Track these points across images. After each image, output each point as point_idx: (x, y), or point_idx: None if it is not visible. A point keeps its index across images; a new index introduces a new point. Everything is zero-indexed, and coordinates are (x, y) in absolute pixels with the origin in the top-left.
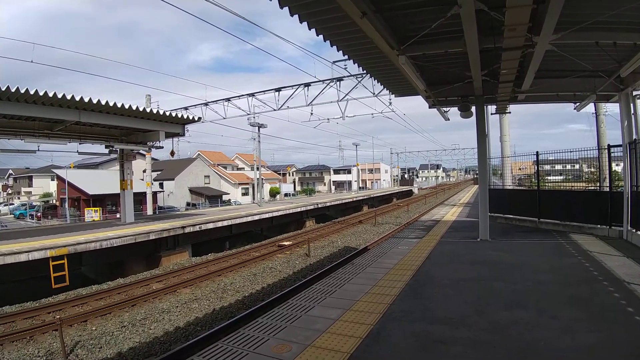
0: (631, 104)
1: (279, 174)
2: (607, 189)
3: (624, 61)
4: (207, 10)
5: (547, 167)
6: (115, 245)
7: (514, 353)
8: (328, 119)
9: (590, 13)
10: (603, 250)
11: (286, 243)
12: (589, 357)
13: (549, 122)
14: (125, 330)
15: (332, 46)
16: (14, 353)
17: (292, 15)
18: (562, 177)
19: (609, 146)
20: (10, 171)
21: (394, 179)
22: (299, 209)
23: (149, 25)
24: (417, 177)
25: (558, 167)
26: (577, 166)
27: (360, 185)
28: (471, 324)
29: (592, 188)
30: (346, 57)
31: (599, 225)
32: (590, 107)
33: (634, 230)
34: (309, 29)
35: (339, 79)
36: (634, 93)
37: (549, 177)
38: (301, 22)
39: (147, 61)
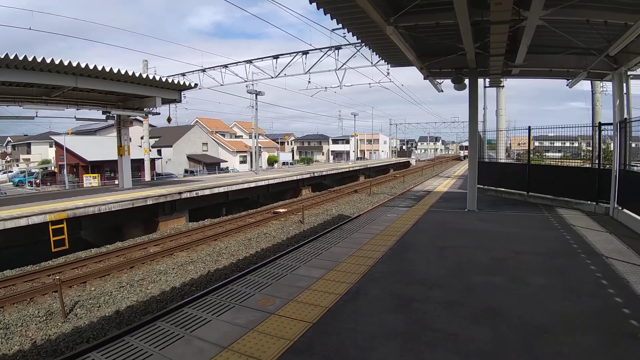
0: (624, 84)
1: (278, 142)
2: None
3: (613, 40)
4: None
5: (547, 143)
6: (113, 209)
7: (480, 312)
8: (325, 87)
9: None
10: (587, 225)
11: (281, 210)
12: (551, 322)
13: (551, 98)
14: (124, 290)
15: (325, 14)
16: (15, 314)
17: None
18: (560, 154)
19: (600, 124)
20: (9, 138)
21: (393, 150)
22: (295, 178)
23: None
24: (416, 149)
25: (557, 144)
26: (576, 144)
27: (359, 156)
28: (445, 286)
29: (583, 165)
30: (340, 25)
31: (586, 202)
32: (589, 85)
33: (620, 208)
34: None
35: (338, 47)
36: (629, 73)
37: (547, 154)
38: None
39: (149, 26)
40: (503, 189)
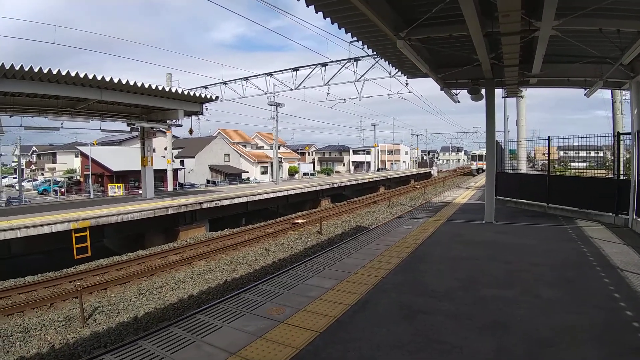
0: None
1: (299, 153)
2: (622, 177)
3: (626, 48)
4: None
5: (572, 153)
6: (135, 218)
7: (488, 324)
8: (344, 99)
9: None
10: (605, 237)
11: (300, 221)
12: (558, 337)
13: (574, 107)
14: (142, 297)
15: (340, 29)
16: (34, 319)
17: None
18: (585, 164)
19: (619, 134)
20: (34, 148)
21: (414, 161)
22: (314, 188)
23: (174, 2)
24: (437, 160)
25: (583, 153)
26: (601, 153)
27: (380, 167)
28: (455, 298)
29: (602, 175)
30: (355, 39)
31: (605, 213)
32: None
33: (639, 219)
34: (316, 12)
35: (356, 59)
36: None
37: (572, 164)
38: (307, 6)
39: (171, 39)
40: (523, 200)
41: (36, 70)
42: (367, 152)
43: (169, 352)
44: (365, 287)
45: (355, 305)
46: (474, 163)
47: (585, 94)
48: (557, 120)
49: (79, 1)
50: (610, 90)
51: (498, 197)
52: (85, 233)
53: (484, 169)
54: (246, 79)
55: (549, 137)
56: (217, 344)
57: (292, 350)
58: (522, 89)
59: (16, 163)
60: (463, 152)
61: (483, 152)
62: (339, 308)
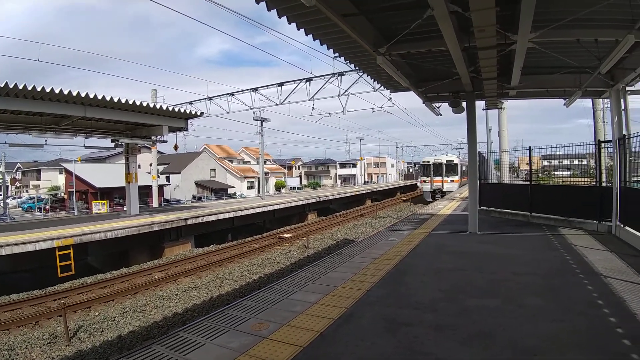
0: (622, 100)
1: (285, 167)
2: (604, 184)
3: (604, 58)
4: (215, 8)
5: (555, 162)
6: (119, 236)
7: (472, 335)
8: (329, 113)
9: (567, 10)
10: (588, 244)
11: (286, 235)
12: (543, 345)
13: (559, 116)
14: (127, 315)
15: (322, 45)
16: (20, 337)
17: (279, 17)
18: (569, 173)
19: (599, 142)
20: (19, 165)
21: (400, 173)
22: (301, 202)
23: (161, 18)
24: None
25: (566, 162)
26: (584, 161)
27: (366, 179)
28: (439, 310)
29: (585, 183)
30: (337, 54)
31: (588, 220)
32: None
33: (622, 225)
34: (298, 29)
35: (340, 74)
36: (627, 89)
37: (556, 172)
38: (289, 23)
39: (158, 56)
40: (506, 210)
41: (20, 87)
42: (354, 165)
43: None
44: (350, 301)
45: (339, 319)
46: (427, 180)
47: (564, 104)
48: (540, 130)
49: (65, 17)
50: (591, 99)
51: (482, 207)
52: (68, 251)
53: (447, 188)
54: (231, 94)
55: (529, 147)
56: None
57: None
58: (502, 101)
59: (0, 180)
60: None
61: (445, 159)
62: (323, 322)
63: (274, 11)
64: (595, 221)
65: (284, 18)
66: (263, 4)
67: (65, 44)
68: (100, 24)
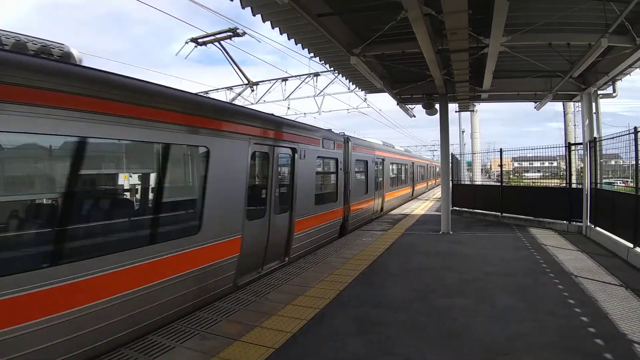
0: (593, 103)
1: None
2: (574, 186)
3: (576, 62)
4: (191, 6)
5: (526, 164)
6: None
7: (443, 334)
8: (305, 113)
9: (540, 15)
10: (558, 244)
11: None
12: (513, 343)
13: (530, 120)
14: None
15: (296, 44)
16: None
17: (254, 15)
18: (540, 174)
19: (569, 144)
20: None
21: None
22: None
23: (137, 15)
24: None
25: (537, 164)
26: (555, 163)
27: None
28: (411, 309)
29: (556, 184)
30: (312, 54)
31: (559, 221)
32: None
33: (593, 226)
34: (272, 28)
35: (316, 74)
36: (599, 92)
37: (527, 174)
38: (264, 21)
39: (134, 52)
40: (478, 211)
41: None
42: None
43: None
44: (323, 301)
45: (312, 319)
46: None
47: (535, 107)
48: (514, 132)
49: (46, 13)
50: (562, 103)
51: (454, 207)
52: None
53: None
54: (206, 92)
55: (500, 149)
56: None
57: None
58: (474, 104)
59: None
60: None
61: None
62: (295, 323)
63: (250, 10)
64: (565, 221)
65: (259, 16)
66: (237, 1)
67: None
68: (72, 19)
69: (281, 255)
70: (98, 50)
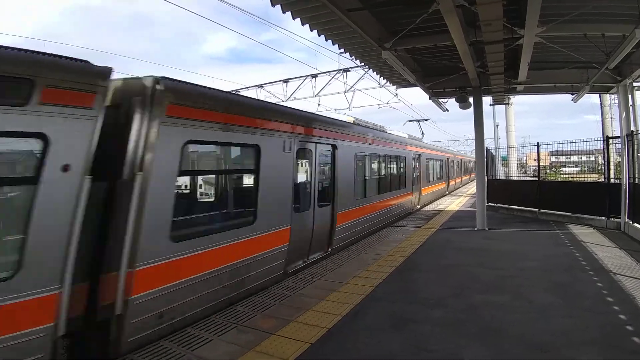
0: (629, 95)
1: None
2: (612, 181)
3: (611, 53)
4: (220, 6)
5: (563, 158)
6: None
7: (480, 332)
8: (335, 109)
9: (573, 5)
10: (597, 241)
11: None
12: (553, 340)
13: (566, 112)
14: None
15: (326, 40)
16: None
17: (284, 12)
18: (578, 169)
19: (607, 138)
20: None
21: None
22: None
23: (165, 16)
24: None
25: (574, 158)
26: (592, 158)
27: None
28: (446, 305)
29: (593, 180)
30: (342, 50)
31: (597, 217)
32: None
33: (631, 222)
34: (302, 25)
35: (346, 70)
36: (635, 84)
37: (564, 169)
38: (294, 18)
39: (163, 52)
40: (515, 207)
41: None
42: None
43: None
44: (358, 297)
45: (347, 315)
46: None
47: (572, 100)
48: (550, 125)
49: (71, 17)
50: (598, 95)
51: (490, 204)
52: None
53: None
54: (237, 90)
55: (537, 143)
56: (208, 356)
57: None
58: (509, 96)
59: None
60: None
61: None
62: (330, 318)
63: (279, 7)
64: (603, 218)
65: (289, 14)
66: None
67: (69, 43)
68: (103, 22)
69: (325, 246)
70: (128, 52)
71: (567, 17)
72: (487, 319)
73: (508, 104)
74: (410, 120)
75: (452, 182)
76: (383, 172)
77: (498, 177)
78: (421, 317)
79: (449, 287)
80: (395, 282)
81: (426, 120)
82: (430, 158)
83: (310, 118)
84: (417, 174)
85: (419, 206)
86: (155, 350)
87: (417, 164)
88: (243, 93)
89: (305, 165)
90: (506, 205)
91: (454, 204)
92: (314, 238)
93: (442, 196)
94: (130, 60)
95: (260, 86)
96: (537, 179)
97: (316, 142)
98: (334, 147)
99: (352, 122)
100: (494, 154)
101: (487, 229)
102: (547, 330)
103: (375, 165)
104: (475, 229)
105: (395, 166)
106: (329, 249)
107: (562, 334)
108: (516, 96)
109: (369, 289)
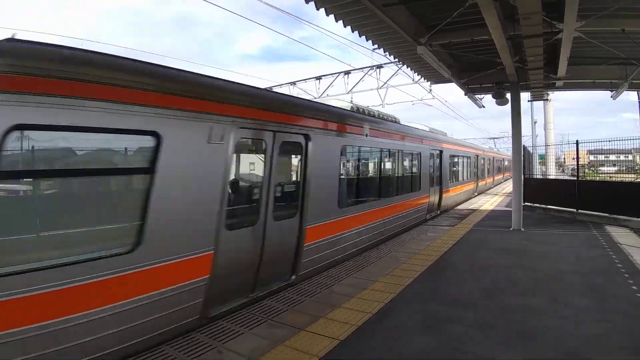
0: None
1: None
2: None
3: None
4: (254, 3)
5: (602, 157)
6: None
7: (514, 335)
8: (368, 106)
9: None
10: (634, 243)
11: None
12: (584, 346)
13: (604, 110)
14: None
15: (360, 37)
16: None
17: (317, 9)
18: (616, 168)
19: None
20: None
21: None
22: None
23: (204, 17)
24: None
25: (612, 157)
26: (630, 157)
27: None
28: (480, 307)
29: (632, 179)
30: (376, 46)
31: (634, 218)
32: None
33: None
34: (336, 21)
35: (379, 66)
36: None
37: (602, 168)
38: (327, 15)
39: (201, 52)
40: (552, 207)
41: None
42: None
43: (190, 356)
44: (389, 295)
45: (377, 313)
46: None
47: (611, 96)
48: (590, 123)
49: (110, 17)
50: (637, 92)
51: (526, 203)
52: None
53: None
54: (270, 88)
55: (577, 141)
56: (239, 350)
57: (311, 357)
58: (548, 92)
59: None
60: None
61: None
62: (360, 316)
63: (312, 5)
64: None
65: (322, 11)
66: None
67: (111, 43)
68: (143, 23)
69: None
70: (168, 52)
71: (605, 12)
72: (521, 322)
73: (547, 100)
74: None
75: (481, 183)
76: (387, 172)
77: (535, 176)
78: (454, 317)
79: (483, 289)
80: (427, 282)
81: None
82: (456, 155)
83: (261, 96)
84: (437, 173)
85: (438, 211)
86: (186, 343)
87: (438, 161)
88: (276, 90)
89: (254, 163)
90: (543, 205)
91: (488, 203)
92: (265, 263)
93: (470, 198)
94: (169, 60)
95: (293, 83)
96: (575, 179)
97: (274, 131)
98: (306, 137)
99: (340, 107)
100: (531, 152)
101: (522, 229)
102: (581, 334)
103: (374, 163)
104: (511, 229)
105: (405, 164)
106: (293, 277)
107: (597, 338)
108: (555, 92)
109: (401, 288)
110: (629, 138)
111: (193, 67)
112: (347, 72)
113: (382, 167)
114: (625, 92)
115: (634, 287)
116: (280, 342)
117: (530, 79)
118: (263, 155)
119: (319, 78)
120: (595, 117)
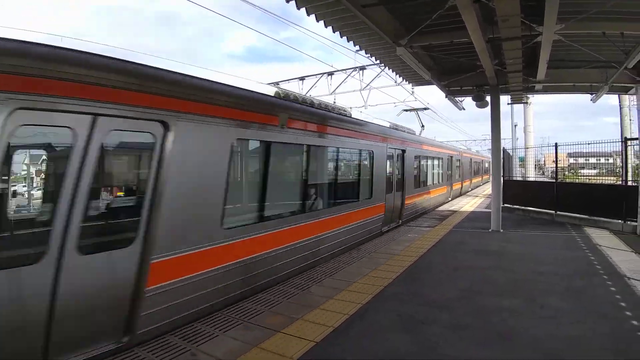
0: None
1: None
2: (630, 183)
3: (630, 52)
4: (239, 3)
5: (581, 160)
6: None
7: (490, 336)
8: (351, 107)
9: (592, 2)
10: (613, 244)
11: None
12: (563, 347)
13: (584, 114)
14: None
15: (342, 37)
16: None
17: (298, 9)
18: (596, 171)
19: (626, 139)
20: None
21: None
22: None
23: (186, 15)
24: None
25: (593, 160)
26: (611, 160)
27: None
28: (456, 308)
29: (611, 182)
30: (358, 47)
31: (613, 220)
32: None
33: None
34: (317, 21)
35: (362, 68)
36: None
37: (582, 171)
38: (308, 15)
39: (185, 50)
40: (531, 208)
41: None
42: None
43: (162, 359)
44: (366, 297)
45: (354, 315)
46: None
47: (591, 100)
48: (569, 127)
49: (96, 16)
50: (617, 96)
51: (505, 204)
52: None
53: None
54: (276, 83)
55: (556, 143)
56: (213, 352)
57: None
58: (527, 96)
59: None
60: None
61: None
62: (337, 317)
63: (294, 4)
64: (620, 221)
65: (303, 10)
66: None
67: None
68: (127, 21)
69: (397, 218)
70: (154, 51)
71: (585, 15)
72: (497, 324)
73: (526, 103)
74: (405, 110)
75: (456, 186)
76: (316, 176)
77: (515, 178)
78: (430, 319)
79: (460, 290)
80: (405, 283)
81: (425, 109)
82: (423, 155)
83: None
84: (399, 176)
85: (400, 221)
86: (159, 345)
87: (399, 163)
88: (283, 85)
89: (48, 162)
90: (522, 207)
91: (468, 204)
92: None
93: (443, 203)
94: (153, 58)
95: (276, 84)
96: (554, 181)
97: (94, 114)
98: (164, 125)
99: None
100: (511, 154)
101: (501, 230)
102: (558, 336)
103: (294, 165)
104: (490, 230)
105: (349, 166)
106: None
107: (573, 340)
108: (535, 96)
109: (378, 289)
110: (606, 141)
111: (182, 67)
112: (331, 74)
113: (307, 169)
114: (605, 95)
115: (613, 289)
116: (255, 344)
117: (510, 82)
118: (68, 151)
119: (302, 79)
120: (574, 121)
